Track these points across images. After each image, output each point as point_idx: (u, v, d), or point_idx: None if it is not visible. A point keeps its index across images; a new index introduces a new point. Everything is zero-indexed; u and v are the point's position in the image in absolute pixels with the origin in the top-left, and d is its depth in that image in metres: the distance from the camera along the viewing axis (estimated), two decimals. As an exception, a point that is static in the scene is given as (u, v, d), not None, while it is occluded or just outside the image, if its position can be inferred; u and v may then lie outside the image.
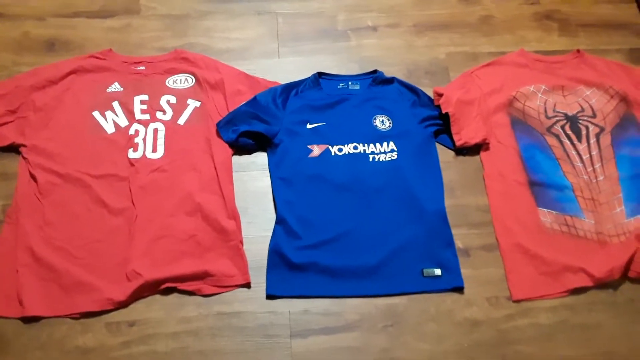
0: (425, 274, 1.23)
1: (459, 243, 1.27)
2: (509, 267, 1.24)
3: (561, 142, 1.39)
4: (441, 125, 1.42)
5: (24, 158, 1.30)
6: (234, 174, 1.33)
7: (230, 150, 1.36)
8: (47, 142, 1.32)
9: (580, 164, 1.35)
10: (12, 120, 1.35)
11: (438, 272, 1.23)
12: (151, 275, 1.17)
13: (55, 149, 1.31)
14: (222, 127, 1.37)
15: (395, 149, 1.37)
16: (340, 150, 1.37)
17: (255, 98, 1.41)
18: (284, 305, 1.19)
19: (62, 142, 1.33)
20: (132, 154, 1.32)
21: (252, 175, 1.34)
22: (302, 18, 1.60)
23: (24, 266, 1.17)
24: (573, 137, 1.40)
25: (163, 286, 1.18)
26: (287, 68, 1.51)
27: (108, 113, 1.38)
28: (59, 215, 1.24)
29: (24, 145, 1.31)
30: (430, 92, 1.46)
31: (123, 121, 1.37)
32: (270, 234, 1.26)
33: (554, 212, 1.29)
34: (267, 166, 1.36)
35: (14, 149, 1.32)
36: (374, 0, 1.65)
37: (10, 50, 1.47)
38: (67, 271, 1.17)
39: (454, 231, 1.28)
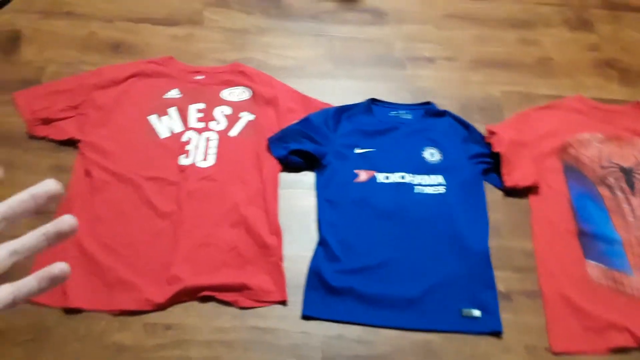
0: (463, 314, 1.21)
1: (500, 286, 1.25)
2: (551, 317, 1.21)
3: (614, 194, 1.36)
4: (491, 164, 1.41)
5: (82, 154, 1.34)
6: (280, 190, 1.35)
7: (278, 167, 1.37)
8: (104, 141, 1.35)
9: (632, 219, 1.32)
10: (73, 116, 1.39)
11: (477, 313, 1.21)
12: (191, 282, 1.18)
13: (111, 148, 1.35)
14: (273, 142, 1.39)
15: (443, 183, 1.37)
16: (387, 178, 1.37)
17: (307, 118, 1.42)
18: (318, 328, 1.18)
19: (117, 142, 1.36)
20: (182, 160, 1.35)
21: (298, 193, 1.35)
22: (359, 43, 1.62)
23: (71, 258, 1.19)
24: (627, 190, 1.37)
25: (202, 294, 1.19)
26: (340, 91, 1.53)
27: (164, 118, 1.41)
28: (109, 213, 1.27)
29: (82, 141, 1.35)
30: (482, 129, 1.45)
31: (177, 127, 1.40)
32: (309, 254, 1.26)
33: (602, 265, 1.26)
34: (313, 186, 1.37)
35: (71, 143, 1.36)
36: (432, 31, 1.67)
37: (76, 48, 1.53)
38: (111, 268, 1.19)
39: (496, 273, 1.25)
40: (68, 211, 1.24)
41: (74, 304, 1.15)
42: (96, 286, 1.18)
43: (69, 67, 1.49)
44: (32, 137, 1.36)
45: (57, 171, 1.32)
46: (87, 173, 1.31)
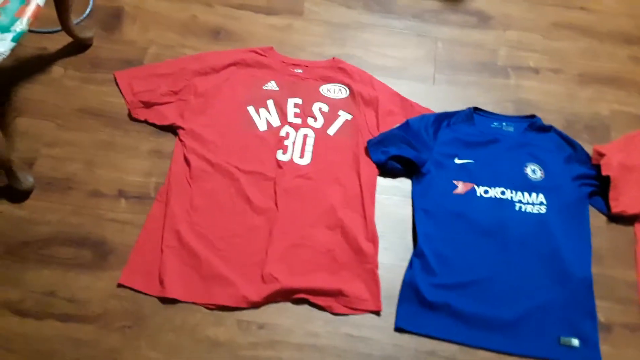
0: (562, 342, 1.16)
1: (600, 316, 1.19)
2: (659, 356, 1.16)
3: None
4: (597, 187, 1.34)
5: (181, 141, 1.33)
6: (375, 195, 1.32)
7: (376, 171, 1.34)
8: (204, 129, 1.35)
9: None
10: (174, 101, 1.38)
11: (576, 342, 1.16)
12: (288, 283, 1.17)
13: (210, 137, 1.34)
14: (373, 146, 1.35)
15: (545, 203, 1.31)
16: (486, 192, 1.32)
17: (407, 123, 1.38)
18: (411, 341, 1.16)
19: (216, 131, 1.35)
20: (280, 156, 1.33)
21: (394, 200, 1.32)
22: (462, 47, 1.56)
23: (169, 247, 1.20)
24: None
25: (296, 296, 1.18)
26: (440, 96, 1.48)
27: (262, 110, 1.39)
28: (205, 203, 1.26)
29: (182, 128, 1.34)
30: (587, 148, 1.39)
31: (275, 121, 1.38)
32: (405, 263, 1.24)
33: None
34: (409, 193, 1.33)
35: (170, 129, 1.36)
36: (539, 40, 1.59)
37: (177, 31, 1.52)
38: (208, 261, 1.19)
39: (596, 302, 1.20)
40: (168, 197, 1.26)
41: (170, 294, 1.15)
42: (192, 278, 1.18)
43: (169, 50, 1.48)
44: (133, 119, 1.36)
45: (156, 156, 1.32)
46: (186, 161, 1.30)
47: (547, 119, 1.43)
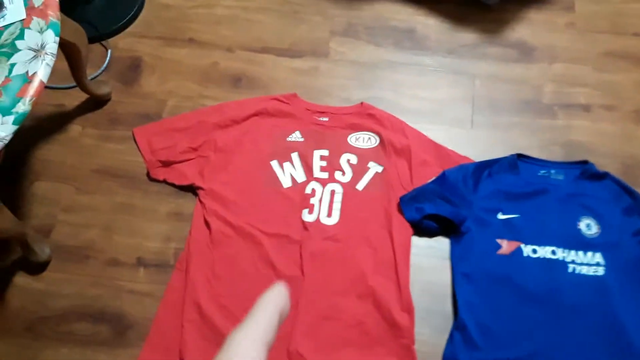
0: None
1: (669, 398, 1.05)
2: None
3: None
4: (662, 243, 1.19)
5: (201, 202, 1.26)
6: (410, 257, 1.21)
7: (410, 230, 1.23)
8: (224, 188, 1.27)
9: None
10: (193, 158, 1.32)
11: None
12: (315, 362, 1.08)
13: (231, 196, 1.26)
14: (406, 203, 1.24)
15: (602, 263, 1.17)
16: (534, 251, 1.19)
17: (443, 175, 1.26)
18: None
19: (238, 190, 1.27)
20: (306, 216, 1.23)
21: (431, 262, 1.21)
22: (502, 84, 1.43)
23: (190, 322, 1.13)
24: None
25: (324, 375, 1.09)
26: (479, 141, 1.35)
27: (286, 165, 1.31)
28: (227, 271, 1.18)
29: (201, 188, 1.28)
30: (649, 198, 1.24)
31: (300, 176, 1.29)
32: (444, 336, 1.12)
33: None
34: (448, 254, 1.22)
35: (191, 189, 1.29)
36: (589, 72, 1.43)
37: (196, 81, 1.45)
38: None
39: (664, 380, 1.06)
40: (187, 265, 1.19)
41: (192, 372, 1.08)
42: (214, 354, 1.10)
43: (189, 101, 1.41)
44: (152, 179, 1.30)
45: (175, 219, 1.25)
46: (207, 224, 1.23)
47: (601, 163, 1.29)
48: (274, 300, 0.40)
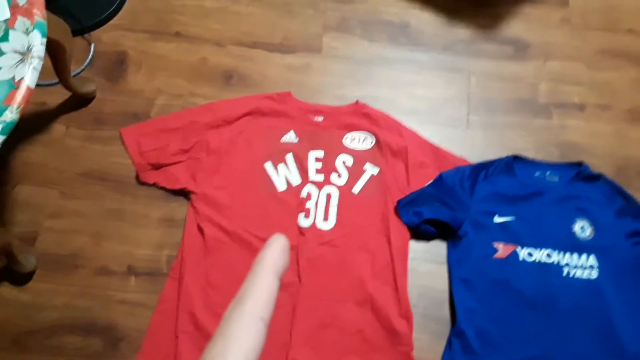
0: None
1: (661, 400, 1.08)
2: None
3: None
4: (655, 246, 1.21)
5: (193, 207, 1.22)
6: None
7: (408, 234, 1.22)
8: (217, 191, 1.23)
9: None
10: (184, 160, 1.27)
11: None
12: (314, 371, 1.07)
13: (225, 201, 1.22)
14: (403, 207, 1.22)
15: (596, 265, 1.18)
16: (530, 255, 1.19)
17: (440, 178, 1.25)
18: None
19: (232, 193, 1.24)
20: (302, 221, 1.21)
21: (428, 267, 1.20)
22: (498, 82, 1.41)
23: (184, 333, 1.10)
24: None
25: (324, 384, 1.08)
26: (475, 141, 1.34)
27: (281, 166, 1.27)
28: (222, 279, 1.15)
29: (194, 192, 1.23)
30: (640, 199, 1.25)
31: (295, 179, 1.26)
32: (442, 341, 1.12)
33: None
34: (445, 258, 1.21)
35: (183, 193, 1.25)
36: (583, 70, 1.42)
37: (186, 77, 1.39)
38: (226, 347, 1.09)
39: (657, 383, 1.09)
40: (181, 273, 1.16)
41: (187, 385, 1.06)
42: (210, 365, 1.08)
43: (178, 99, 1.35)
44: (142, 183, 1.25)
45: (167, 225, 1.21)
46: (200, 230, 1.20)
47: (595, 164, 1.29)
48: (271, 263, 0.35)
